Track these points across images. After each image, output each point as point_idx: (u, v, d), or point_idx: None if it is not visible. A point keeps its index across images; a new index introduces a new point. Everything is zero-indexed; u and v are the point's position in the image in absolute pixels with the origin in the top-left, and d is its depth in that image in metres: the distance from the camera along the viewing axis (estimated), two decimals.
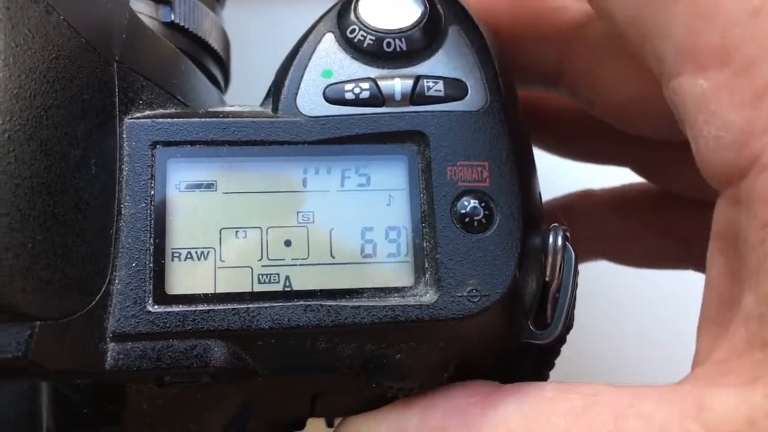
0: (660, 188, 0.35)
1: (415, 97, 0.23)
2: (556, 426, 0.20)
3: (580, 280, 0.24)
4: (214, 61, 0.31)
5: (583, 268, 0.25)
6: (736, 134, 0.19)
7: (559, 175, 0.35)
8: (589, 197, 0.36)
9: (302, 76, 0.24)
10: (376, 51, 0.24)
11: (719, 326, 0.20)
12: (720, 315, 0.20)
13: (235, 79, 0.34)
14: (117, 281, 0.21)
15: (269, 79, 0.26)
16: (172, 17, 0.28)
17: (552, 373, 0.26)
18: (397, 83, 0.23)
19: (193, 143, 0.23)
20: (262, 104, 0.25)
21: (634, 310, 0.48)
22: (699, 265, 0.22)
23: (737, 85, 0.19)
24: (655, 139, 0.28)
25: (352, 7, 0.24)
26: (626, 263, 0.38)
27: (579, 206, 0.36)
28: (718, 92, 0.19)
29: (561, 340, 0.24)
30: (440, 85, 0.24)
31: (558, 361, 0.26)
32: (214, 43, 0.30)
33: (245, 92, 0.28)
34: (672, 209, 0.34)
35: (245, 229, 0.22)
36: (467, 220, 0.23)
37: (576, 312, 0.24)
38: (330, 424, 0.28)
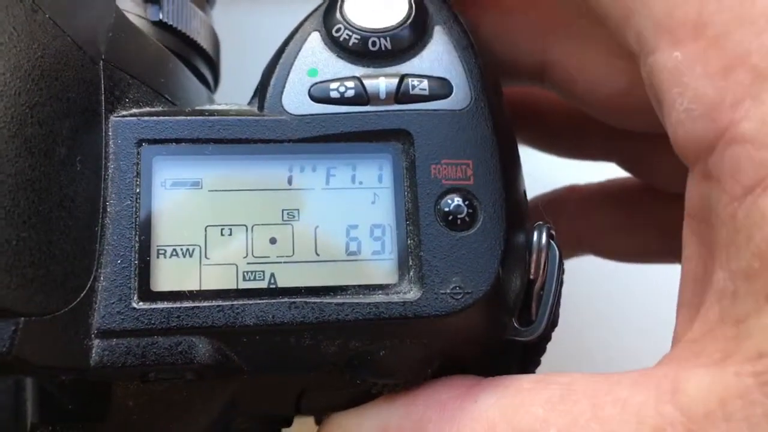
0: (645, 183, 0.36)
1: (400, 95, 0.24)
2: (534, 415, 0.20)
3: (567, 276, 0.24)
4: (203, 60, 0.31)
5: (569, 264, 0.25)
6: (706, 106, 0.19)
7: (542, 175, 0.36)
8: (575, 192, 0.37)
9: (288, 75, 0.24)
10: (362, 50, 0.24)
11: (695, 303, 0.20)
12: (695, 296, 0.20)
13: (226, 79, 0.35)
14: (102, 278, 0.21)
15: (259, 78, 0.26)
16: (161, 16, 0.28)
17: (538, 371, 0.26)
18: (382, 82, 0.24)
19: (178, 141, 0.23)
20: (249, 103, 0.25)
21: (620, 306, 0.48)
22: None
23: (710, 56, 0.18)
24: (639, 132, 0.28)
25: (338, 6, 0.24)
26: (612, 257, 0.38)
27: (564, 201, 0.36)
28: (691, 64, 0.19)
29: (546, 337, 0.24)
30: (425, 84, 0.24)
31: (544, 359, 0.26)
32: (203, 42, 0.30)
33: (235, 92, 0.28)
34: (657, 204, 0.34)
35: (230, 227, 0.23)
36: (451, 218, 0.23)
37: (562, 309, 0.24)
38: (318, 422, 0.28)
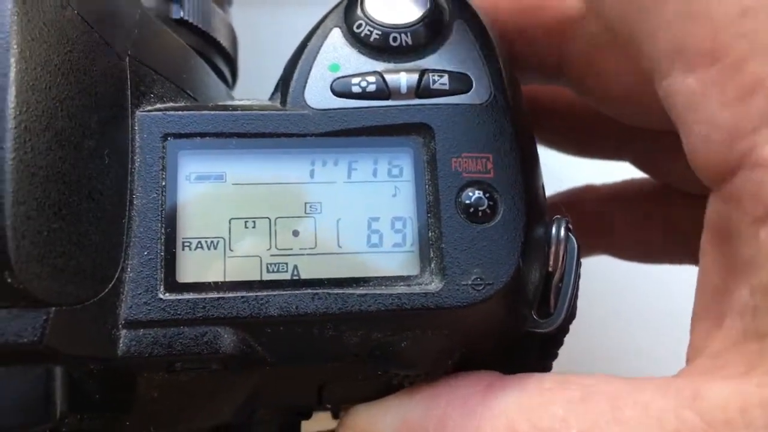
0: (660, 183, 0.36)
1: (421, 90, 0.24)
2: (554, 415, 0.20)
3: (585, 273, 0.25)
4: (222, 57, 0.31)
5: (587, 262, 0.26)
6: (724, 132, 0.19)
7: (559, 174, 0.36)
8: (591, 191, 0.37)
9: (310, 70, 0.24)
10: (383, 45, 0.24)
11: (713, 319, 0.20)
12: (713, 308, 0.20)
13: (243, 77, 0.35)
14: (129, 269, 0.22)
15: (276, 76, 0.26)
16: (182, 14, 0.28)
17: (555, 363, 0.26)
18: (402, 77, 0.24)
19: (203, 135, 0.23)
20: (271, 98, 0.25)
21: (636, 304, 0.48)
22: (698, 261, 0.23)
23: (726, 84, 0.19)
24: (654, 130, 0.29)
25: (359, 2, 0.25)
26: (627, 258, 0.38)
27: (581, 200, 0.37)
28: (707, 91, 0.19)
29: (564, 329, 0.25)
30: (445, 79, 0.24)
31: (561, 352, 0.26)
32: (222, 39, 0.31)
33: (252, 90, 0.28)
34: (672, 204, 0.35)
35: (254, 220, 0.23)
36: (471, 210, 0.23)
37: (580, 305, 0.25)
38: (335, 416, 0.28)
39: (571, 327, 0.25)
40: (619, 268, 0.39)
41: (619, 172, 0.37)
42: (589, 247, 0.37)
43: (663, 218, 0.35)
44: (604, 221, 0.37)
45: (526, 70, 0.29)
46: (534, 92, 0.32)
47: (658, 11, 0.20)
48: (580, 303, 0.24)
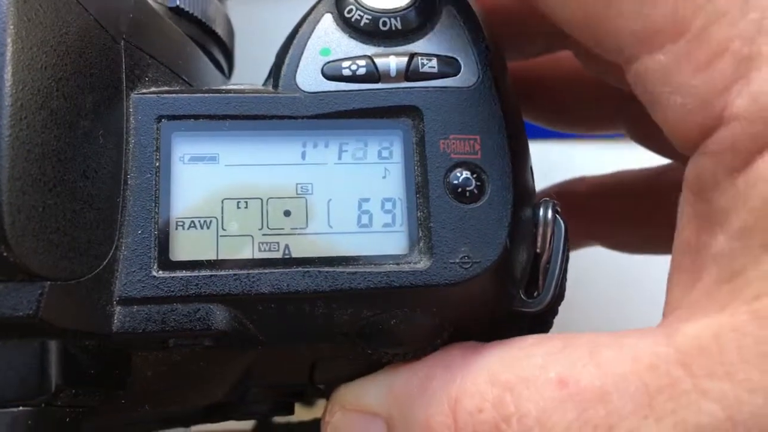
0: (653, 174, 0.36)
1: (410, 73, 0.24)
2: (534, 364, 0.21)
3: (579, 262, 0.25)
4: (218, 47, 0.32)
5: (578, 254, 0.26)
6: (699, 97, 0.20)
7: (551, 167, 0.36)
8: (583, 182, 0.37)
9: (301, 55, 0.25)
10: (373, 30, 0.25)
11: (689, 274, 0.21)
12: (689, 265, 0.21)
13: (239, 67, 0.35)
14: (123, 248, 0.22)
15: (269, 67, 0.27)
16: (178, 2, 0.29)
17: None
18: (392, 60, 0.24)
19: (196, 117, 0.24)
20: (264, 83, 0.26)
21: (628, 295, 0.48)
22: None
23: (693, 53, 0.20)
24: None
25: None
26: (620, 249, 0.38)
27: (573, 192, 0.37)
28: (677, 63, 0.20)
29: (552, 310, 0.25)
30: (434, 62, 0.24)
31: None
32: (219, 29, 0.31)
33: (249, 81, 0.29)
34: (664, 195, 0.35)
35: (246, 200, 0.23)
36: (459, 190, 0.23)
37: (575, 293, 0.25)
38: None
39: (575, 319, 0.25)
40: (615, 256, 0.39)
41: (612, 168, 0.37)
42: (581, 238, 0.37)
43: (654, 209, 0.35)
44: (596, 213, 0.37)
45: (532, 37, 0.29)
46: (524, 70, 0.32)
47: (615, 4, 0.21)
48: (578, 292, 0.25)
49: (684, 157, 0.22)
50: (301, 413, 0.35)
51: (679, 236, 0.22)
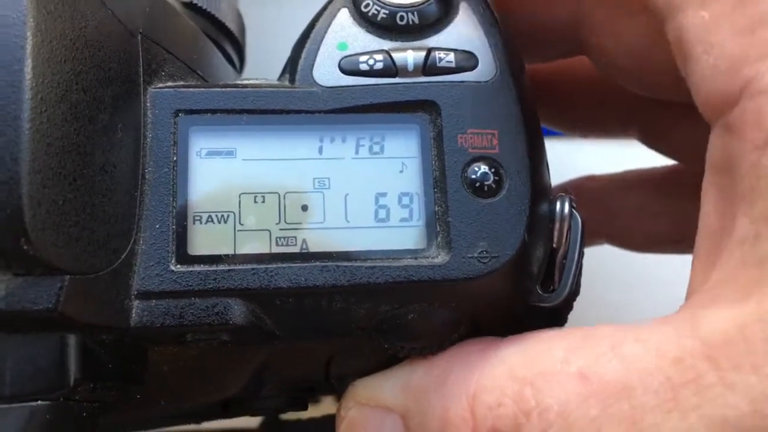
0: (662, 173, 0.36)
1: (427, 68, 0.24)
2: (554, 357, 0.21)
3: (592, 258, 0.25)
4: (230, 42, 0.32)
5: (590, 251, 0.26)
6: (731, 60, 0.20)
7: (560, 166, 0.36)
8: (594, 180, 0.37)
9: (318, 49, 0.25)
10: (390, 24, 0.25)
11: (712, 256, 0.21)
12: (713, 246, 0.21)
13: (250, 63, 0.35)
14: (141, 242, 0.22)
15: (283, 62, 0.27)
16: None
17: None
18: (409, 55, 0.24)
19: (213, 112, 0.24)
20: (279, 78, 0.26)
21: (638, 294, 0.48)
22: None
23: (736, 15, 0.20)
24: (661, 100, 0.29)
25: None
26: (631, 248, 0.38)
27: (582, 190, 0.37)
28: (718, 22, 0.20)
29: (568, 306, 0.25)
30: (451, 57, 0.24)
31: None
32: (231, 24, 0.31)
33: (260, 76, 0.29)
34: (673, 194, 0.35)
35: (264, 195, 0.23)
36: (477, 185, 0.23)
37: (590, 292, 0.25)
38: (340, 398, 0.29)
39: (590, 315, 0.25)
40: (630, 257, 0.39)
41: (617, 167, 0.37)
42: (592, 236, 0.37)
43: (663, 208, 0.35)
44: (605, 211, 0.37)
45: (544, 43, 0.29)
46: (536, 73, 0.32)
47: None
48: (592, 291, 0.25)
49: (701, 159, 0.22)
50: (310, 410, 0.35)
51: (702, 219, 0.22)
